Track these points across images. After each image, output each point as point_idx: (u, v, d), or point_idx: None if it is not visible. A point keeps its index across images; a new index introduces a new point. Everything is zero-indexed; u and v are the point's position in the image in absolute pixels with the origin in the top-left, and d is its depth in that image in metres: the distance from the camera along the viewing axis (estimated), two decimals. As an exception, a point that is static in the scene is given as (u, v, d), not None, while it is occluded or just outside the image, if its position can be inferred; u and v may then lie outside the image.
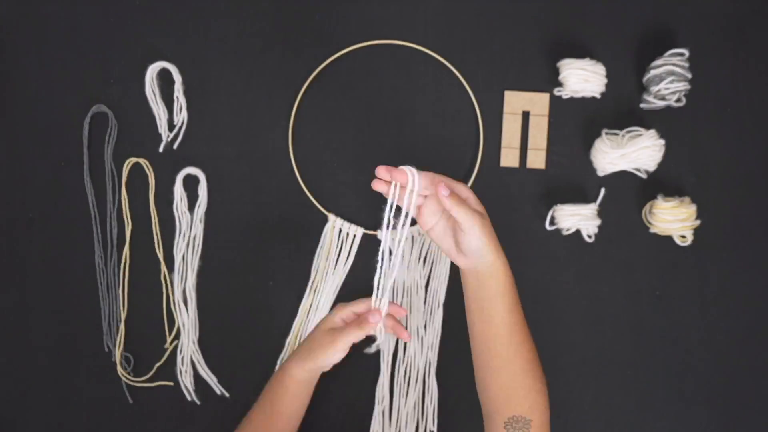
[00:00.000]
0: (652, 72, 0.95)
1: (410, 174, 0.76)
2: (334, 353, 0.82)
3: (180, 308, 0.99)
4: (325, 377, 0.90)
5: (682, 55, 0.94)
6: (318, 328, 0.86)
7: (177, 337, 1.00)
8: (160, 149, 1.00)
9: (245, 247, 1.00)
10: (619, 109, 0.99)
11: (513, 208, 0.99)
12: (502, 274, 0.79)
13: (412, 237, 0.98)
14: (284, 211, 1.00)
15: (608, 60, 0.97)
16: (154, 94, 0.99)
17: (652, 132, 0.93)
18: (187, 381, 0.99)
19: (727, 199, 0.99)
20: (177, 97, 0.99)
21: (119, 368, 0.99)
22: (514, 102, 0.99)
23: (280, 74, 1.00)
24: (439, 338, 0.98)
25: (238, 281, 1.00)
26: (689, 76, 0.94)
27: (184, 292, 1.00)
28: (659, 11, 0.99)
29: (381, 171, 0.77)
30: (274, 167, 1.00)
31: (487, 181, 0.99)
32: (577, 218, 0.95)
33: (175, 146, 1.00)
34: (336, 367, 0.87)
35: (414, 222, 0.83)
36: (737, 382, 0.99)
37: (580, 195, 0.99)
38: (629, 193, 0.99)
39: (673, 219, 0.94)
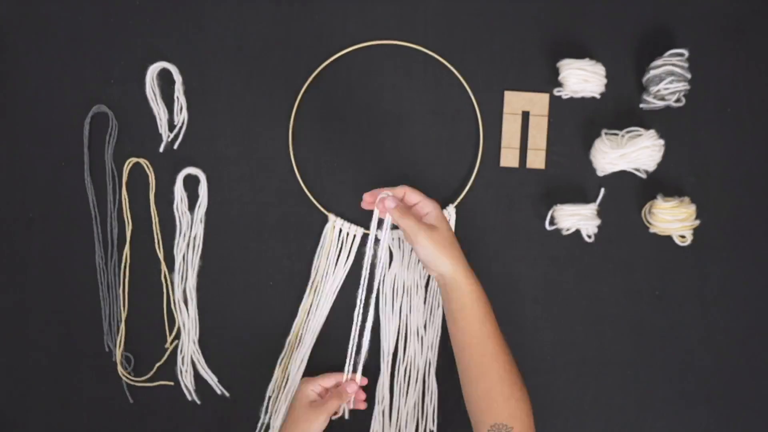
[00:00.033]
0: (652, 72, 0.95)
1: (386, 201, 0.86)
2: (321, 425, 0.89)
3: (180, 308, 0.99)
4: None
5: (681, 55, 0.94)
6: (297, 405, 0.91)
7: (177, 336, 1.00)
8: (161, 149, 1.00)
9: (245, 247, 1.00)
10: (619, 109, 0.99)
11: (513, 208, 0.99)
12: (465, 285, 0.84)
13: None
14: (284, 212, 1.00)
15: (608, 60, 0.97)
16: (155, 95, 0.99)
17: (652, 132, 0.93)
18: (187, 381, 0.99)
19: (726, 199, 0.99)
20: (177, 98, 0.99)
21: (120, 368, 0.99)
22: (514, 102, 0.99)
23: (280, 74, 1.00)
24: (439, 338, 0.98)
25: (238, 281, 1.00)
26: (689, 76, 0.94)
27: (184, 291, 1.00)
28: (659, 11, 0.99)
29: (366, 200, 0.89)
30: (274, 167, 1.00)
31: (487, 181, 0.99)
32: (577, 218, 0.95)
33: (175, 146, 1.00)
34: None
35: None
36: (737, 382, 0.99)
37: (579, 195, 0.99)
38: (629, 193, 0.99)
39: (672, 219, 0.94)
